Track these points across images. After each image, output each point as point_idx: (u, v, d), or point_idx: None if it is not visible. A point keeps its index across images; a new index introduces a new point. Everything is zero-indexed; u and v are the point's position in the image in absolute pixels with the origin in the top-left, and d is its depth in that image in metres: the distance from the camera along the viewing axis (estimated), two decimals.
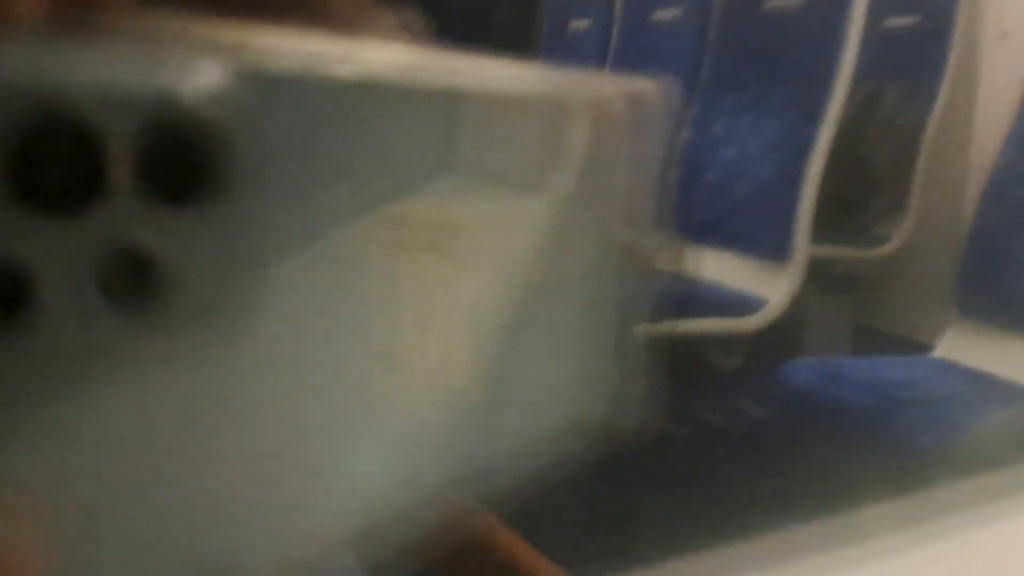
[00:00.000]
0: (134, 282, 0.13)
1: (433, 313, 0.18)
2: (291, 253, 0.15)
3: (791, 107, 1.28)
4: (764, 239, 1.30)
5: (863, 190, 1.47)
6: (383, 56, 0.17)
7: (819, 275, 1.40)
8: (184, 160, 0.13)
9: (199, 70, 0.14)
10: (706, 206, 1.34)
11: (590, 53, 1.91)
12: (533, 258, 0.19)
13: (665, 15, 1.60)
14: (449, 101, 0.17)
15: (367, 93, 0.16)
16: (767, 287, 1.30)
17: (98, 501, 0.14)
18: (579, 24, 1.95)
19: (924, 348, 1.18)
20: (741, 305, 1.28)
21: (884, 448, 0.95)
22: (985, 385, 1.02)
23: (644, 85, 0.20)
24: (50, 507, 0.13)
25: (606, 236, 0.20)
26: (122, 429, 0.13)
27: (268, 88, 0.15)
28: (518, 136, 0.19)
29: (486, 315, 0.19)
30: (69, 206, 0.12)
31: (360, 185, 0.16)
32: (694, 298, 1.23)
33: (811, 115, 1.22)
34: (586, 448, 0.20)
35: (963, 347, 1.09)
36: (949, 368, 1.09)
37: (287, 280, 0.15)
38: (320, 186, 0.15)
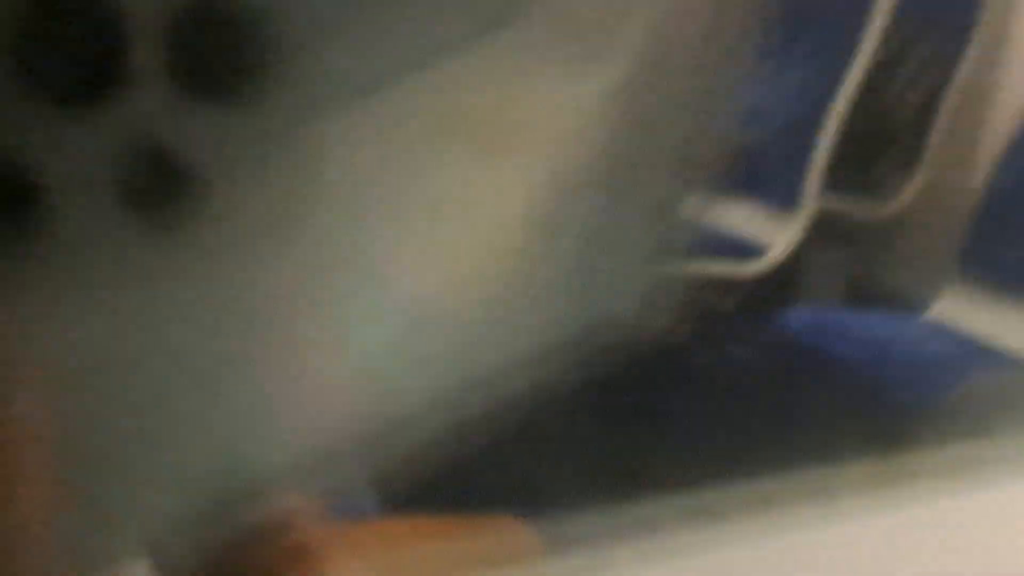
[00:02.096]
0: (158, 185, 0.11)
1: (472, 206, 0.17)
2: (335, 149, 0.14)
3: (818, 52, 1.24)
4: (774, 186, 1.29)
5: (878, 142, 1.45)
6: None
7: (821, 225, 1.39)
8: (224, 47, 0.11)
9: None
10: None
11: None
12: (584, 151, 0.18)
13: None
14: None
15: None
16: (770, 233, 1.29)
17: (117, 405, 0.13)
18: None
19: (920, 307, 1.18)
20: (743, 249, 1.27)
21: (872, 402, 0.96)
22: (977, 349, 1.03)
23: None
24: (68, 414, 0.12)
25: (666, 127, 0.19)
26: (141, 340, 0.13)
27: None
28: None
29: (527, 209, 0.18)
30: (84, 96, 0.10)
31: (411, 61, 0.14)
32: (699, 238, 1.23)
33: (836, 63, 1.19)
34: (615, 346, 0.20)
35: (959, 309, 1.10)
36: (943, 329, 1.09)
37: (327, 178, 0.14)
38: (371, 69, 0.14)
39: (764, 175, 1.31)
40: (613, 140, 0.18)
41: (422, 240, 0.17)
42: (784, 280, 1.45)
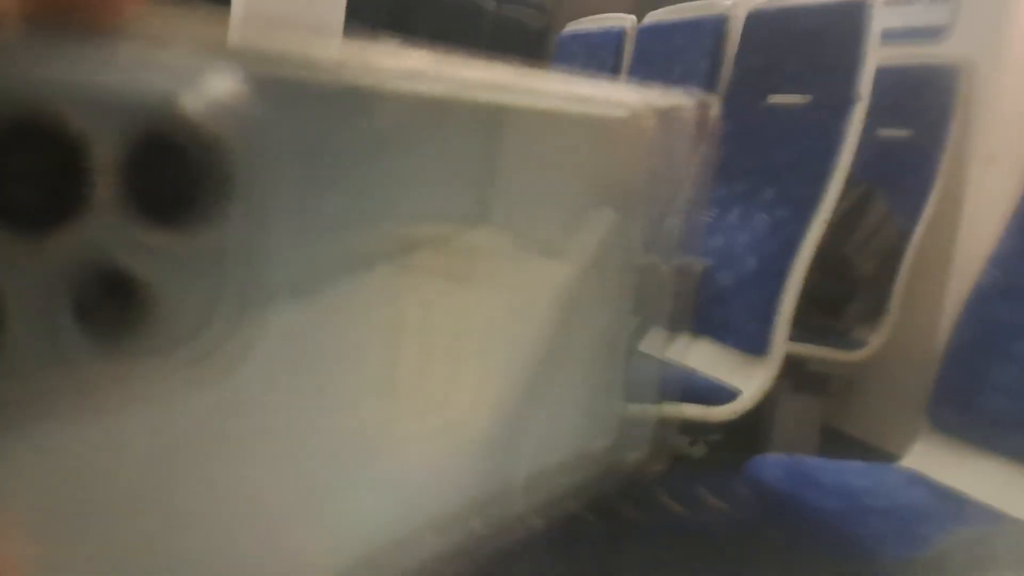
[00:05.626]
0: (113, 308, 0.11)
1: (440, 339, 0.16)
2: (289, 277, 0.13)
3: (782, 203, 1.30)
4: (744, 331, 1.31)
5: (844, 293, 1.48)
6: (407, 64, 0.15)
7: (792, 373, 1.40)
8: (177, 176, 0.11)
9: (205, 75, 0.12)
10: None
11: None
12: (552, 283, 0.18)
13: None
14: (476, 114, 0.16)
15: (391, 104, 0.14)
16: (741, 379, 1.30)
17: (70, 538, 0.12)
18: None
19: (889, 457, 1.17)
20: (715, 394, 1.27)
21: (848, 554, 0.93)
22: (952, 501, 1.01)
23: (677, 98, 0.19)
24: (20, 542, 0.11)
25: (628, 259, 0.19)
26: (96, 462, 0.12)
27: (282, 98, 0.13)
28: (550, 152, 0.17)
29: (498, 342, 0.17)
30: (43, 222, 0.10)
31: (376, 209, 0.14)
32: (671, 381, 1.22)
33: (801, 213, 1.24)
34: (591, 479, 0.19)
35: (931, 460, 1.09)
36: (917, 479, 1.08)
37: (284, 305, 0.13)
38: (328, 208, 0.13)
39: (735, 320, 1.33)
40: (582, 271, 0.18)
41: (388, 367, 0.16)
42: (754, 426, 1.45)
